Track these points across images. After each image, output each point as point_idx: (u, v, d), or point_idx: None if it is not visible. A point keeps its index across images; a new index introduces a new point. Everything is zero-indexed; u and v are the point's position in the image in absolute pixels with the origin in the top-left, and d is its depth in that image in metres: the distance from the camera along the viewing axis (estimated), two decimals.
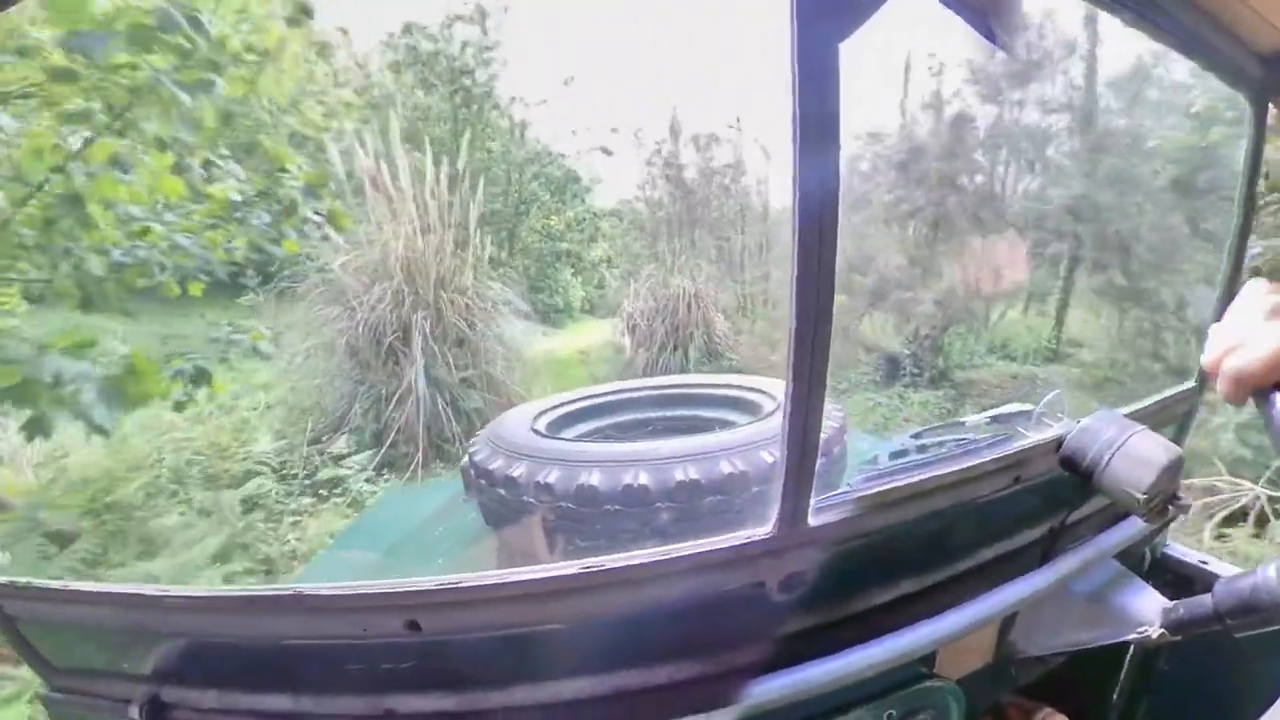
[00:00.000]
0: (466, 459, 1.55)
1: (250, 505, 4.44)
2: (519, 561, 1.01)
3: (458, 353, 5.85)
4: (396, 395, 5.48)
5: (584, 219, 14.21)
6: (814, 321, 0.64)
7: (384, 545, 1.85)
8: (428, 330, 5.74)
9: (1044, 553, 1.08)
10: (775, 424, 1.46)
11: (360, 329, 5.62)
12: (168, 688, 0.90)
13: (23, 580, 0.87)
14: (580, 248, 14.42)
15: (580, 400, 1.98)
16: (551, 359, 8.57)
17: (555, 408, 1.89)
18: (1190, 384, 1.22)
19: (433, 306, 5.86)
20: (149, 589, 0.83)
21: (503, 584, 0.74)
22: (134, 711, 0.88)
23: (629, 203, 12.84)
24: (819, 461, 0.73)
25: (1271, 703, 1.02)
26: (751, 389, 1.94)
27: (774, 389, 1.86)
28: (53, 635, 0.93)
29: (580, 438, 1.81)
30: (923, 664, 0.96)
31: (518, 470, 1.36)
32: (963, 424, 1.22)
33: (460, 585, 0.75)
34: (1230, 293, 1.20)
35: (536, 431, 1.60)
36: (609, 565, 0.74)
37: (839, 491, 0.81)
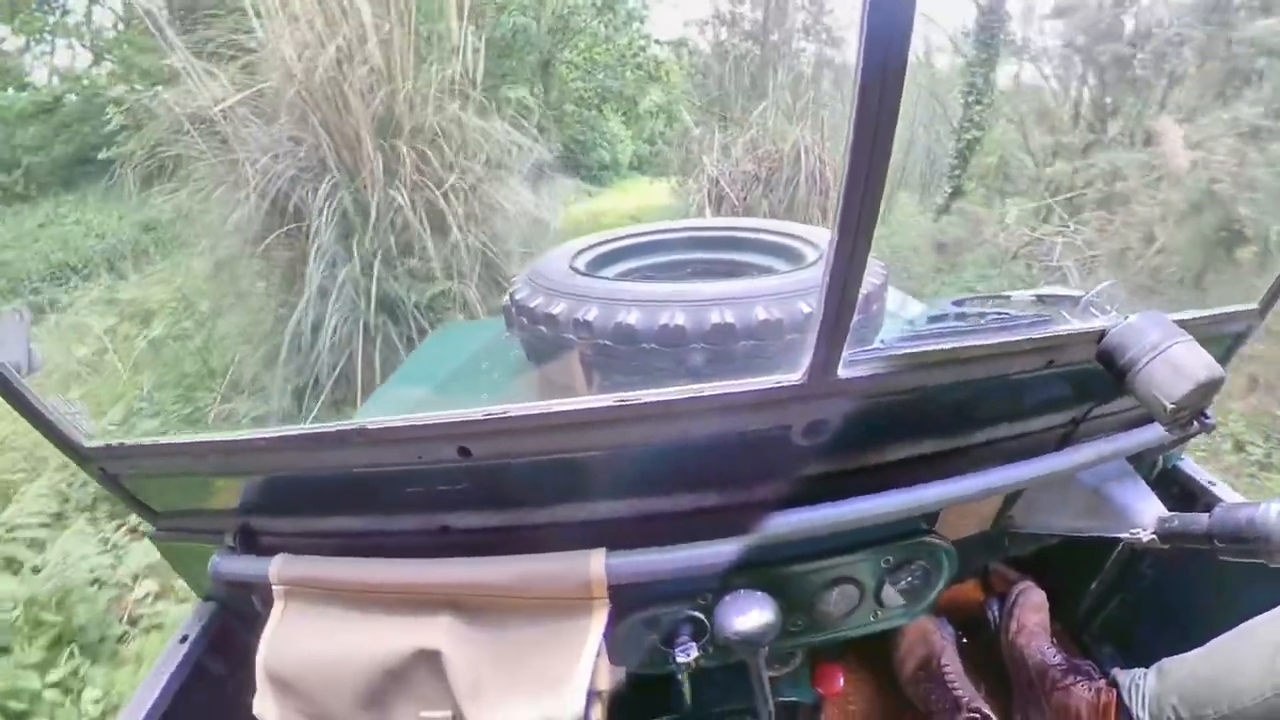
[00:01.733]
0: (508, 297, 1.59)
1: None
2: (559, 394, 1.06)
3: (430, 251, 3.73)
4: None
5: (638, 50, 11.46)
6: (867, 170, 0.61)
7: (434, 380, 1.95)
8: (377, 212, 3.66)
9: (1062, 439, 1.10)
10: (815, 274, 1.45)
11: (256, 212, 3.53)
12: (254, 518, 1.02)
13: (116, 441, 0.96)
14: (634, 88, 11.92)
15: (620, 239, 1.97)
16: (596, 225, 7.95)
17: (595, 246, 1.88)
18: (1252, 306, 1.16)
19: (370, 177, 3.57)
20: (229, 435, 0.92)
21: (544, 414, 0.80)
22: (228, 539, 1.01)
23: (689, 39, 10.44)
24: (856, 316, 0.73)
25: (1232, 626, 1.11)
26: (796, 237, 1.90)
27: (819, 238, 1.82)
28: (151, 484, 1.04)
29: (619, 277, 1.82)
30: (925, 520, 1.03)
31: (557, 308, 1.39)
32: (1007, 298, 1.20)
33: (505, 415, 0.80)
34: None
35: (576, 270, 1.61)
36: (644, 400, 0.78)
37: (872, 347, 0.82)
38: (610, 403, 0.79)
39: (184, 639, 1.11)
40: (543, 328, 1.42)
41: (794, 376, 0.78)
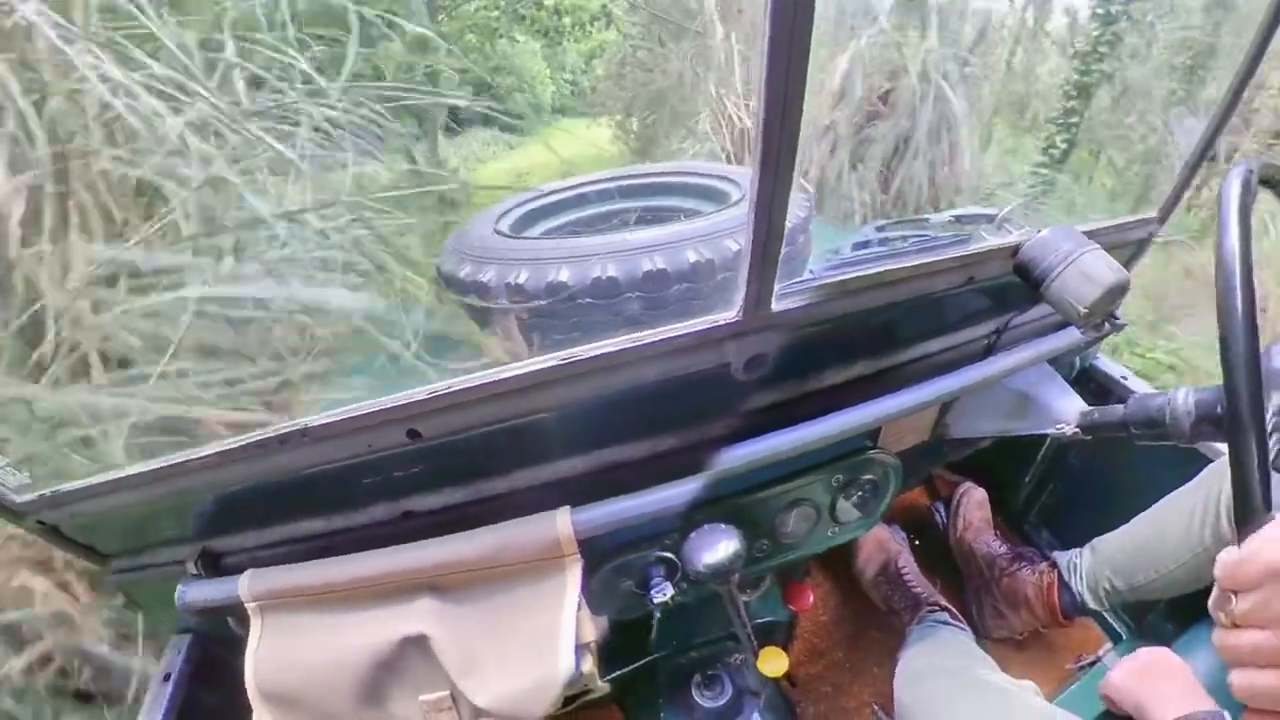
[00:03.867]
0: (434, 270, 1.55)
1: None
2: (501, 360, 1.05)
3: None
4: None
5: None
6: (783, 104, 0.61)
7: (374, 367, 1.91)
8: None
9: (987, 348, 1.16)
10: (741, 212, 1.46)
11: None
12: (213, 539, 0.99)
13: (49, 490, 0.90)
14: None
15: (542, 196, 1.94)
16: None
17: (516, 207, 1.85)
18: (1152, 214, 1.24)
19: None
20: (169, 459, 0.88)
21: (488, 383, 0.79)
22: (190, 567, 0.97)
23: None
24: (784, 249, 0.74)
25: (1153, 504, 1.23)
26: (719, 176, 1.90)
27: (742, 177, 1.83)
28: (96, 527, 0.98)
29: (546, 235, 1.80)
30: (868, 438, 1.08)
31: (487, 275, 1.37)
32: (926, 220, 1.24)
33: (449, 390, 0.79)
34: (1217, 129, 1.18)
35: (500, 233, 1.58)
36: (586, 355, 0.78)
37: (801, 279, 0.83)
38: (553, 362, 0.79)
39: (166, 677, 1.07)
40: (474, 296, 1.40)
41: (729, 314, 0.79)
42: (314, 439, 0.82)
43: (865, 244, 1.20)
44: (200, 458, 0.86)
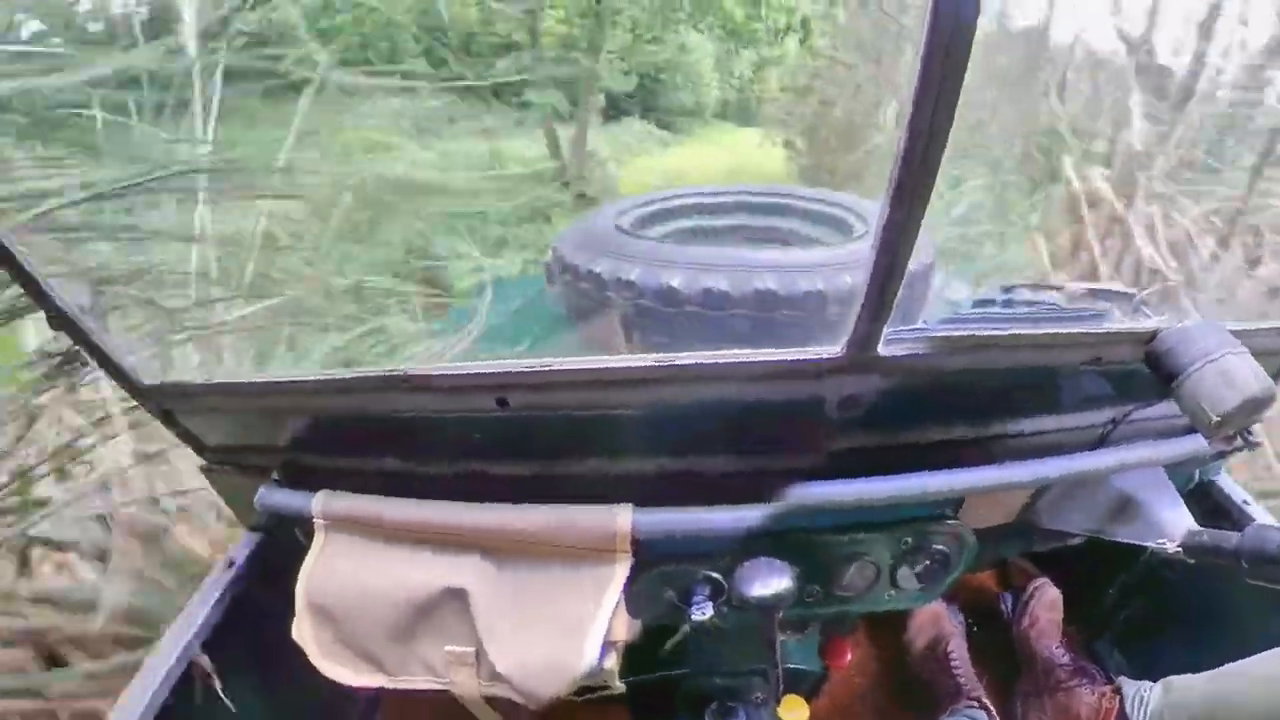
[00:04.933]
0: (551, 253, 1.60)
1: None
2: (598, 351, 1.08)
3: None
4: None
5: None
6: (928, 137, 0.59)
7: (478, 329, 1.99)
8: None
9: (1099, 439, 1.07)
10: (863, 247, 1.43)
11: None
12: (300, 454, 1.06)
13: (171, 380, 1.00)
14: None
15: (668, 200, 1.96)
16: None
17: (641, 205, 1.88)
18: None
19: None
20: (278, 376, 0.96)
21: (581, 369, 0.81)
22: (275, 474, 1.06)
23: None
24: (900, 293, 0.72)
25: (1249, 654, 1.09)
26: (846, 208, 1.87)
27: (868, 211, 1.79)
28: (203, 420, 1.08)
29: (665, 238, 1.82)
30: (949, 507, 1.02)
31: (601, 266, 1.40)
32: (1059, 289, 1.17)
33: (543, 369, 0.82)
34: None
35: (621, 229, 1.61)
36: (682, 362, 0.79)
37: (913, 328, 0.81)
38: (649, 362, 0.80)
39: (230, 564, 1.17)
40: (585, 285, 1.43)
41: (833, 349, 0.78)
42: (411, 387, 0.87)
43: (988, 302, 1.15)
44: (309, 380, 0.93)
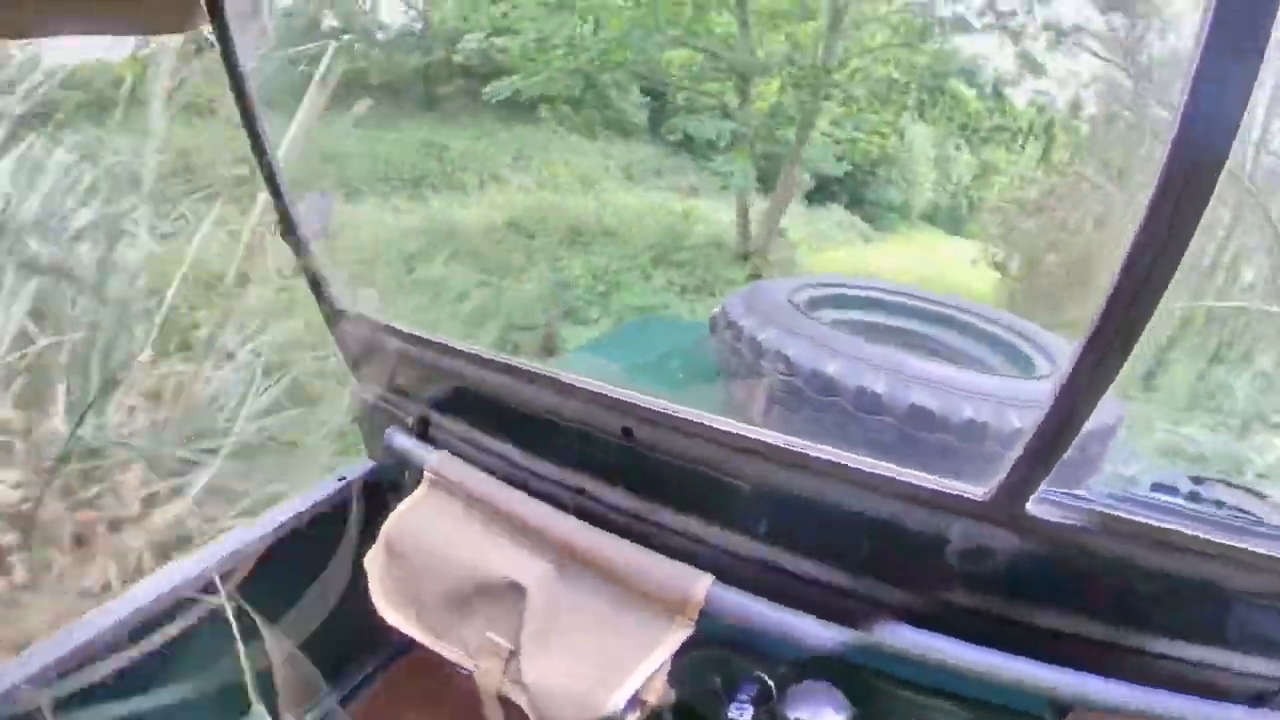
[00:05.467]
0: (720, 307, 1.63)
1: None
2: (734, 413, 1.08)
3: None
4: None
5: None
6: (1144, 281, 0.52)
7: (625, 360, 2.06)
8: None
9: (1258, 695, 0.87)
10: (1041, 387, 1.33)
11: None
12: (434, 412, 1.17)
13: (357, 312, 1.17)
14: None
15: (846, 286, 1.94)
16: None
17: (820, 286, 1.87)
18: None
19: None
20: (440, 338, 1.07)
21: (712, 426, 0.82)
22: (409, 420, 1.18)
23: None
24: (1069, 452, 0.64)
25: None
26: (1029, 338, 1.75)
27: (1053, 347, 1.67)
28: (370, 354, 1.23)
29: (833, 324, 1.80)
30: (1054, 710, 0.87)
31: (764, 333, 1.41)
32: (1262, 496, 1.01)
33: (672, 412, 0.84)
34: None
35: (794, 304, 1.61)
36: (814, 452, 0.77)
37: (1074, 493, 0.72)
38: (780, 442, 0.79)
39: (341, 479, 1.29)
40: (743, 347, 1.45)
41: (976, 491, 0.72)
42: (551, 389, 0.93)
43: (1170, 489, 1.01)
44: (464, 351, 1.04)
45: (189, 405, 2.36)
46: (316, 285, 1.18)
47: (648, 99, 9.93)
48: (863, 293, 1.96)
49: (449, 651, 0.98)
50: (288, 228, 1.14)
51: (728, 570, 0.85)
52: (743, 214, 7.26)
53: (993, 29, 6.62)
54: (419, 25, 9.99)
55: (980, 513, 0.73)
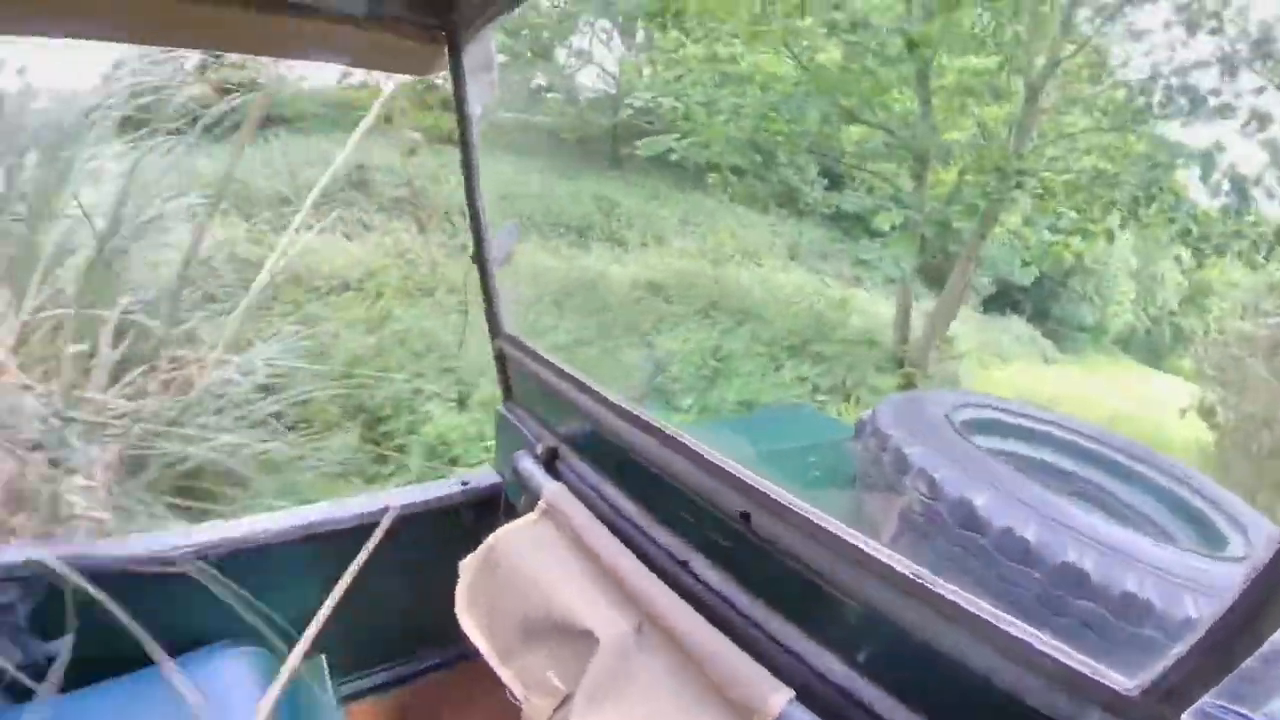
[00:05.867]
0: (871, 412, 1.58)
1: None
2: (864, 524, 1.03)
3: None
4: None
5: None
6: None
7: (763, 443, 2.03)
8: None
9: None
10: (1227, 570, 1.17)
11: None
12: (565, 446, 1.25)
13: (518, 335, 1.32)
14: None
15: (1014, 414, 1.81)
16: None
17: (983, 407, 1.76)
18: None
19: None
20: (583, 376, 1.16)
21: (831, 533, 0.78)
22: (539, 448, 1.26)
23: None
24: (1251, 660, 0.55)
25: None
26: (1223, 509, 1.53)
27: (1254, 524, 1.45)
28: (519, 375, 1.35)
29: (991, 451, 1.69)
30: None
31: (912, 449, 1.35)
32: None
33: (796, 509, 0.81)
34: None
35: (950, 422, 1.53)
36: (940, 590, 0.71)
37: (1246, 714, 0.64)
38: (905, 569, 0.73)
39: (464, 483, 1.44)
40: (887, 458, 1.39)
41: (1123, 682, 0.64)
42: (682, 454, 0.96)
43: None
44: (602, 395, 1.11)
45: None
46: (489, 301, 1.36)
47: (825, 179, 9.80)
48: (1030, 423, 1.83)
49: (506, 675, 1.00)
50: (479, 250, 1.33)
51: (811, 690, 0.81)
52: (903, 311, 6.64)
53: (1230, 112, 5.52)
54: (612, 89, 10.80)
55: (1121, 708, 0.64)
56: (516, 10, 1.21)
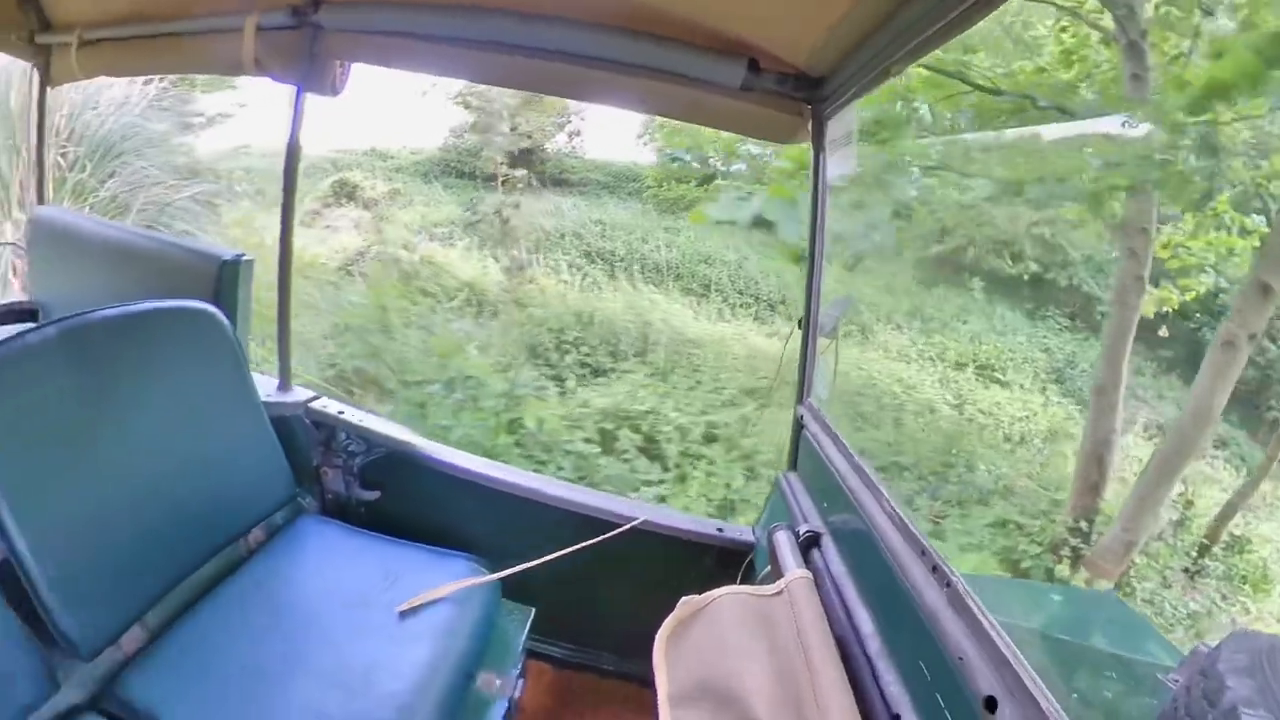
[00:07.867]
0: (1213, 646, 1.20)
1: None
2: None
3: None
4: None
5: None
6: None
7: (1062, 629, 1.74)
8: None
9: None
10: None
11: None
12: (828, 536, 1.24)
13: (818, 406, 1.35)
14: None
15: None
16: None
17: None
18: None
19: None
20: (868, 468, 1.13)
21: None
22: (802, 529, 1.27)
23: None
24: None
25: None
26: None
27: None
28: (809, 451, 1.40)
29: None
30: None
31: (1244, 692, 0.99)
32: None
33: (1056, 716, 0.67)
34: None
35: None
36: None
37: None
38: None
39: (719, 529, 1.54)
40: (1214, 717, 1.04)
41: None
42: (950, 604, 0.87)
43: None
44: (886, 506, 1.08)
45: None
46: (804, 366, 1.43)
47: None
48: None
49: (664, 717, 0.99)
50: (806, 315, 1.43)
51: None
52: (1097, 457, 4.79)
53: None
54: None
55: None
56: (877, 89, 1.23)
